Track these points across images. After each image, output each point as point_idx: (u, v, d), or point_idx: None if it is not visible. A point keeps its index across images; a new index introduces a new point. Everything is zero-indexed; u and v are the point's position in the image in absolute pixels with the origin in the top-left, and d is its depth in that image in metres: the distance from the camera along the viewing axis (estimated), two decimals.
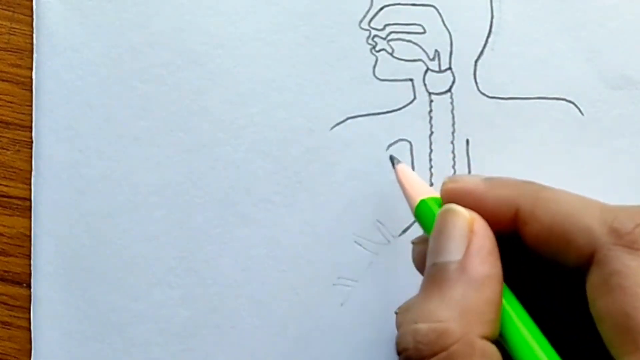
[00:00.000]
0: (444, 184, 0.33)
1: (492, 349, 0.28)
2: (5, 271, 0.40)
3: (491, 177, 0.32)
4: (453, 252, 0.30)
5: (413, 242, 0.35)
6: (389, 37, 0.40)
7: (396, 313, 0.33)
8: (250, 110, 0.40)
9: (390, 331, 0.39)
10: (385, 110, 0.39)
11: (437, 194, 0.33)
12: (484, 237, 0.30)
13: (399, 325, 0.31)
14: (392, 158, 0.37)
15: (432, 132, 0.39)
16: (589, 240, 0.28)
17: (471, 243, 0.29)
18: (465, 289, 0.29)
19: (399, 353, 0.29)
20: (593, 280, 0.28)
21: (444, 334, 0.28)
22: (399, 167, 0.36)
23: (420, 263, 0.34)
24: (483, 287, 0.29)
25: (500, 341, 0.29)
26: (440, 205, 0.32)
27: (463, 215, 0.30)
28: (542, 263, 0.31)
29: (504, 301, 0.29)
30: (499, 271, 0.29)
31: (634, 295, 0.26)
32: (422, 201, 0.33)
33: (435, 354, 0.28)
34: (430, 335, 0.28)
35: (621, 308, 0.26)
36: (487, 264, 0.29)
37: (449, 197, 0.32)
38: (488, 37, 0.39)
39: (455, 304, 0.28)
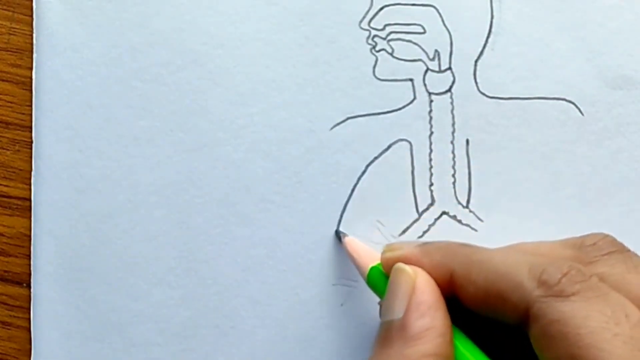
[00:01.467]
0: (383, 252, 0.34)
1: None
2: (5, 271, 0.40)
3: (426, 243, 0.33)
4: (396, 310, 0.31)
5: (379, 304, 0.36)
6: (389, 37, 0.40)
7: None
8: (250, 110, 0.40)
9: None
10: (385, 110, 0.39)
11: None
12: (423, 292, 0.31)
13: None
14: (337, 233, 0.38)
15: (432, 132, 0.39)
16: (522, 297, 0.29)
17: (411, 299, 0.31)
18: (401, 345, 0.30)
19: None
20: (534, 333, 0.28)
21: None
22: (346, 240, 0.37)
23: None
24: (419, 341, 0.30)
25: None
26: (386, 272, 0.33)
27: (406, 272, 0.32)
28: (485, 321, 0.31)
29: (456, 347, 0.30)
30: (441, 323, 0.30)
31: (576, 336, 0.27)
32: (372, 268, 0.34)
33: None
34: None
35: (568, 353, 0.27)
36: (426, 318, 0.30)
37: (391, 263, 0.33)
38: (488, 37, 0.40)
39: None
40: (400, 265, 0.32)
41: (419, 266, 0.32)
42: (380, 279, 0.34)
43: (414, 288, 0.31)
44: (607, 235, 0.31)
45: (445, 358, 0.30)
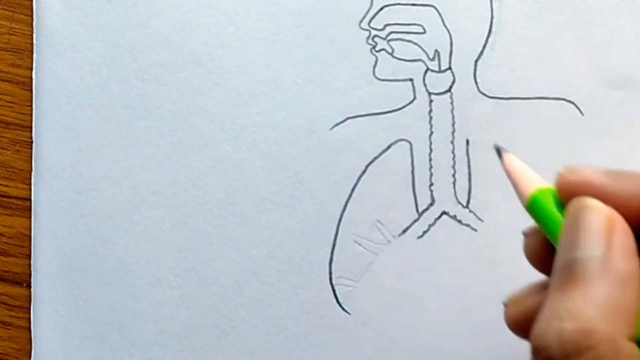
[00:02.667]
0: (560, 175, 0.31)
1: (637, 352, 0.27)
2: (5, 271, 0.40)
3: (612, 170, 0.31)
4: (594, 247, 0.28)
5: (524, 234, 0.33)
6: (389, 37, 0.40)
7: (505, 305, 0.32)
8: (250, 110, 0.40)
9: (390, 331, 0.39)
10: (385, 110, 0.39)
11: (549, 185, 0.32)
12: (625, 234, 0.29)
13: (511, 318, 0.31)
14: (498, 149, 0.34)
15: (432, 132, 0.39)
16: None
17: (613, 239, 0.28)
18: (609, 287, 0.28)
19: (537, 351, 0.28)
20: None
21: (591, 334, 0.27)
22: (506, 157, 0.34)
23: (533, 255, 0.33)
24: (628, 285, 0.28)
25: None
26: (556, 198, 0.31)
27: (602, 210, 0.29)
28: None
29: None
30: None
31: None
32: (537, 194, 0.31)
33: (581, 354, 0.27)
34: (577, 334, 0.27)
35: None
36: (631, 262, 0.28)
37: (568, 190, 0.30)
38: (488, 37, 0.39)
39: (602, 303, 0.27)
40: (590, 200, 0.29)
41: (607, 193, 0.29)
42: (546, 205, 0.31)
43: (613, 227, 0.29)
44: None
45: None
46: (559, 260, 0.29)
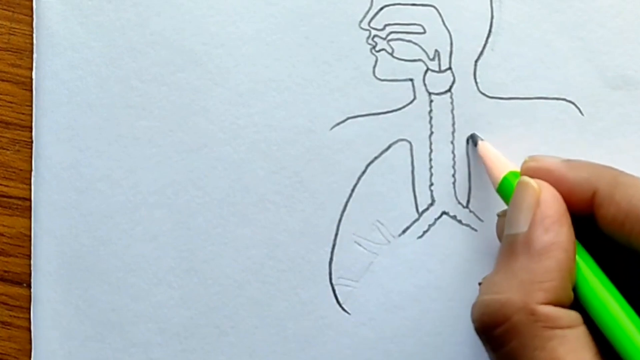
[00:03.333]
0: (524, 162, 0.33)
1: (558, 312, 0.29)
2: (5, 271, 0.40)
3: (570, 160, 0.33)
4: (521, 223, 0.30)
5: (498, 215, 0.36)
6: (389, 37, 0.40)
7: (479, 284, 0.34)
8: (250, 110, 0.40)
9: (390, 331, 0.39)
10: (385, 110, 0.39)
11: (518, 169, 0.34)
12: (548, 207, 0.30)
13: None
14: (473, 136, 0.38)
15: (432, 132, 0.39)
16: None
17: (536, 213, 0.30)
18: (526, 259, 0.29)
19: (473, 324, 0.31)
20: None
21: (505, 304, 0.29)
22: (481, 144, 0.37)
23: (501, 236, 0.35)
24: (544, 256, 0.29)
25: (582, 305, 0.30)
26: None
27: (531, 186, 0.31)
28: (616, 247, 0.31)
29: (579, 263, 0.30)
30: (565, 238, 0.30)
31: None
32: (505, 177, 0.34)
33: (498, 325, 0.29)
34: (492, 306, 0.29)
35: None
36: (551, 233, 0.30)
37: (530, 173, 0.33)
38: (488, 37, 0.39)
39: (515, 275, 0.29)
40: (525, 178, 0.32)
41: (562, 180, 0.32)
42: (509, 188, 0.33)
43: (538, 202, 0.31)
44: None
45: (567, 273, 0.29)
46: (503, 238, 0.31)
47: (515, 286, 0.29)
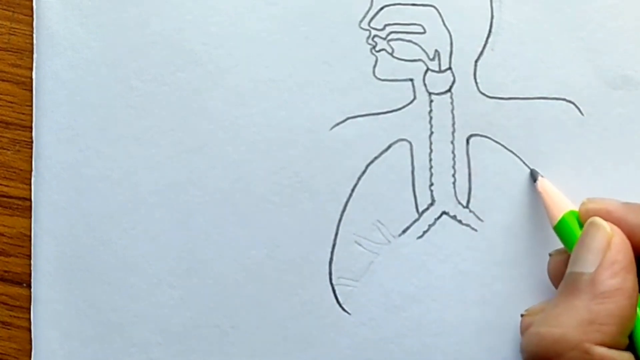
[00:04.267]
0: (583, 203, 0.34)
1: (613, 354, 0.29)
2: (5, 271, 0.40)
3: (629, 203, 0.34)
4: (589, 264, 0.31)
5: (550, 254, 0.36)
6: (389, 37, 0.40)
7: (522, 315, 0.35)
8: (250, 110, 0.40)
9: (390, 331, 0.39)
10: (385, 110, 0.39)
11: (575, 208, 0.35)
12: (619, 252, 0.31)
13: (524, 328, 0.33)
14: (533, 172, 0.38)
15: (432, 132, 0.39)
16: None
17: (605, 256, 0.31)
18: (589, 299, 0.30)
19: (521, 351, 0.31)
20: None
21: (560, 340, 0.29)
22: (540, 181, 0.37)
23: (553, 274, 0.36)
24: (608, 299, 0.30)
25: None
26: (578, 221, 0.34)
27: (603, 228, 0.32)
28: None
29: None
30: (631, 285, 0.30)
31: None
32: (564, 217, 0.35)
33: (550, 359, 0.29)
34: (547, 339, 0.29)
35: None
36: (618, 278, 0.30)
37: (590, 214, 0.33)
38: (488, 37, 0.39)
39: (575, 312, 0.30)
40: (598, 219, 0.32)
41: (622, 222, 0.32)
42: (571, 228, 0.34)
43: (609, 245, 0.31)
44: None
45: (627, 320, 0.30)
46: (566, 274, 0.32)
47: (574, 324, 0.30)
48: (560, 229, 0.35)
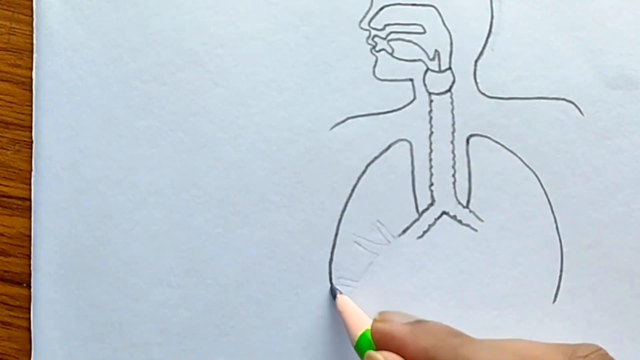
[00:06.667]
0: (374, 321, 0.35)
1: None
2: (5, 271, 0.40)
3: (418, 322, 0.34)
4: None
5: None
6: (389, 37, 0.40)
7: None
8: (250, 110, 0.40)
9: None
10: (385, 110, 0.39)
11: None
12: None
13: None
14: (332, 289, 0.38)
15: (432, 132, 0.39)
16: None
17: None
18: None
19: None
20: None
21: None
22: (340, 299, 0.37)
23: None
24: None
25: None
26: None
27: None
28: None
29: None
30: None
31: None
32: (362, 335, 0.35)
33: None
34: None
35: None
36: None
37: (377, 337, 0.34)
38: (488, 37, 0.40)
39: None
40: (371, 353, 0.33)
41: (404, 346, 0.33)
42: (368, 346, 0.35)
43: None
44: (600, 349, 0.32)
45: None
46: None
47: None
48: (358, 350, 0.35)
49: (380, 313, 0.36)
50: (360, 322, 0.36)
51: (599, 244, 0.39)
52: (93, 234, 0.39)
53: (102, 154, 0.40)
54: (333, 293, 0.38)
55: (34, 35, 0.40)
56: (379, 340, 0.34)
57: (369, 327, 0.35)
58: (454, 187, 0.39)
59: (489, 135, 0.39)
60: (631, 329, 0.39)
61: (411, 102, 0.39)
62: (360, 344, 0.35)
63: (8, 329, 0.40)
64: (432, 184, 0.39)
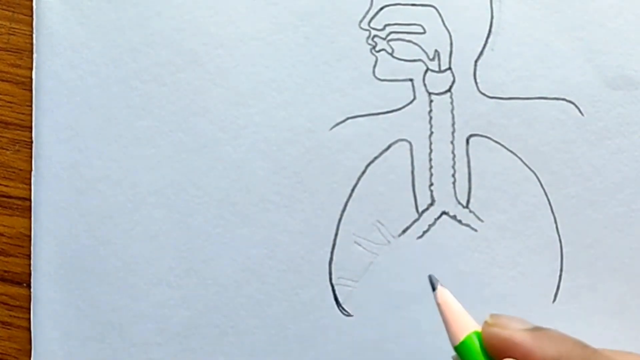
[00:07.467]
0: (486, 323, 0.32)
1: None
2: (5, 271, 0.40)
3: (540, 329, 0.31)
4: None
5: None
6: (389, 37, 0.40)
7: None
8: (250, 110, 0.40)
9: (390, 331, 0.39)
10: (385, 110, 0.39)
11: (478, 327, 0.32)
12: None
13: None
14: (431, 279, 0.33)
15: (432, 132, 0.39)
16: None
17: None
18: None
19: None
20: None
21: None
22: (440, 292, 0.33)
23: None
24: None
25: None
26: (481, 343, 0.31)
27: None
28: None
29: None
30: None
31: None
32: (468, 337, 0.32)
33: None
34: None
35: None
36: None
37: (494, 342, 0.31)
38: (488, 37, 0.39)
39: None
40: None
41: (528, 355, 0.30)
42: (475, 350, 0.32)
43: None
44: None
45: None
46: None
47: None
48: (462, 351, 0.32)
49: (492, 316, 0.32)
50: (465, 321, 0.32)
51: (599, 244, 0.39)
52: (93, 234, 0.39)
53: (102, 154, 0.40)
54: (433, 284, 0.33)
55: (34, 35, 0.40)
56: (495, 346, 0.31)
57: (476, 329, 0.32)
58: (454, 187, 0.39)
59: (489, 135, 0.39)
60: (631, 329, 0.39)
61: (411, 102, 0.39)
62: (465, 345, 0.32)
63: (8, 329, 0.40)
64: (432, 184, 0.39)
